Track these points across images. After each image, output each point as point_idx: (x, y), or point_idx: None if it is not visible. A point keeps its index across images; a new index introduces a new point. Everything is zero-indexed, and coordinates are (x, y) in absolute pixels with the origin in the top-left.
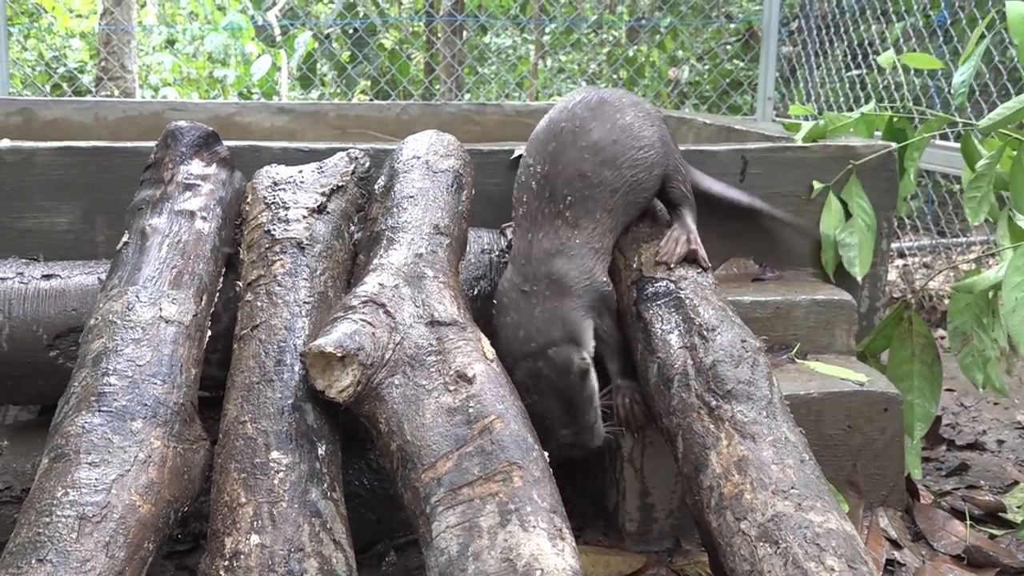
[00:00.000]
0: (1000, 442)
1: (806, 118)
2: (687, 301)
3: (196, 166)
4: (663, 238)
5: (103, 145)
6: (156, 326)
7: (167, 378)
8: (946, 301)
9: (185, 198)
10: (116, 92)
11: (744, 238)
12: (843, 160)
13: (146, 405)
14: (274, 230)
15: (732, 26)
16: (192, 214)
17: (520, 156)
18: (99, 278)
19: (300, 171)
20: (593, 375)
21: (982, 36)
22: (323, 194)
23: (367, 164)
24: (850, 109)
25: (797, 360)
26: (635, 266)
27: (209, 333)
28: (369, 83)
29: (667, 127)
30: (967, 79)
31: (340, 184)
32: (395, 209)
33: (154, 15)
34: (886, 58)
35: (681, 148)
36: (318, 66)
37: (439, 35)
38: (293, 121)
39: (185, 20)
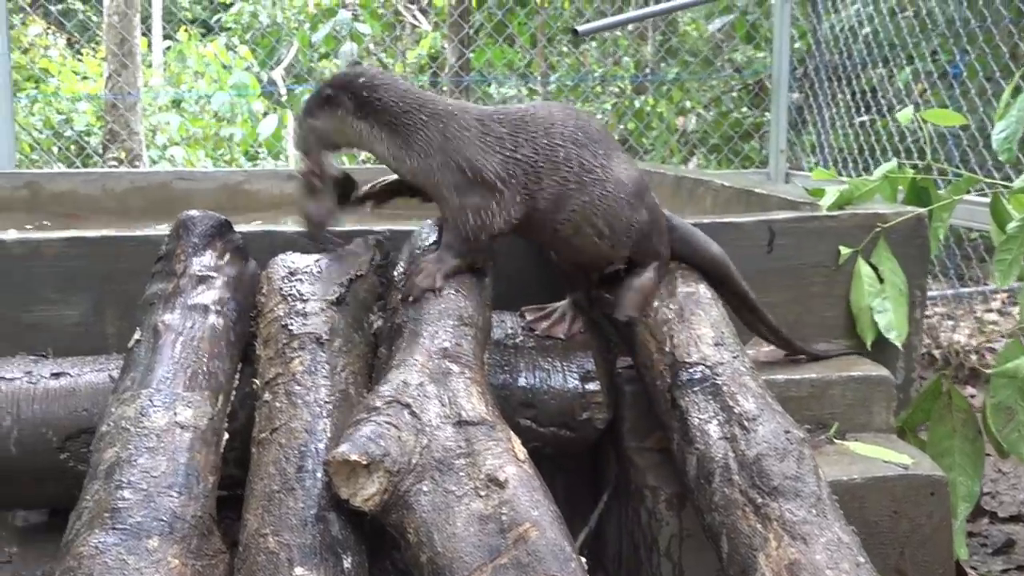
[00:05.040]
0: None
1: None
2: (725, 388)
3: (209, 257)
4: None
5: (112, 235)
6: (171, 432)
7: (183, 489)
8: (973, 357)
9: (198, 292)
10: (123, 154)
11: (773, 310)
12: (871, 228)
13: (162, 520)
14: (292, 324)
15: (741, 78)
16: (206, 308)
17: None
18: (110, 375)
19: (317, 260)
20: None
21: (1017, 88)
22: (341, 284)
23: (386, 250)
24: (860, 154)
25: (836, 440)
26: (668, 350)
27: (226, 436)
28: None
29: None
30: (1011, 135)
31: (359, 273)
32: (416, 300)
33: (160, 75)
34: (905, 115)
35: (704, 217)
36: None
37: (444, 89)
38: None
39: (191, 80)
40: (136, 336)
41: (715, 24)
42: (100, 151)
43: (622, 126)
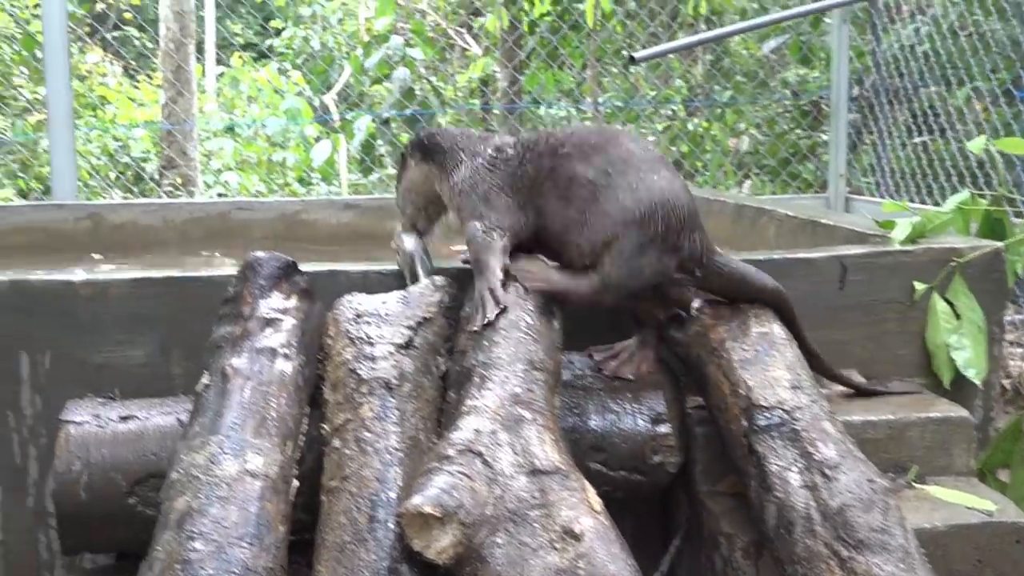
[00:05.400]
0: None
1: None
2: (804, 434)
3: (276, 299)
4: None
5: (178, 275)
6: (241, 481)
7: (255, 540)
8: None
9: (266, 335)
10: (179, 180)
11: (846, 348)
12: (946, 263)
13: (234, 572)
14: (360, 369)
15: (797, 100)
16: (274, 352)
17: None
18: (178, 419)
19: (384, 301)
20: None
21: None
22: (409, 327)
23: (453, 292)
24: (919, 177)
25: (916, 485)
26: (742, 392)
27: (296, 484)
28: None
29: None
30: None
31: (427, 316)
32: (485, 343)
33: (214, 101)
34: (978, 144)
35: (773, 252)
36: (376, 148)
37: (495, 113)
38: (359, 217)
39: (244, 105)
40: (204, 380)
41: (769, 45)
42: (156, 177)
43: (675, 148)
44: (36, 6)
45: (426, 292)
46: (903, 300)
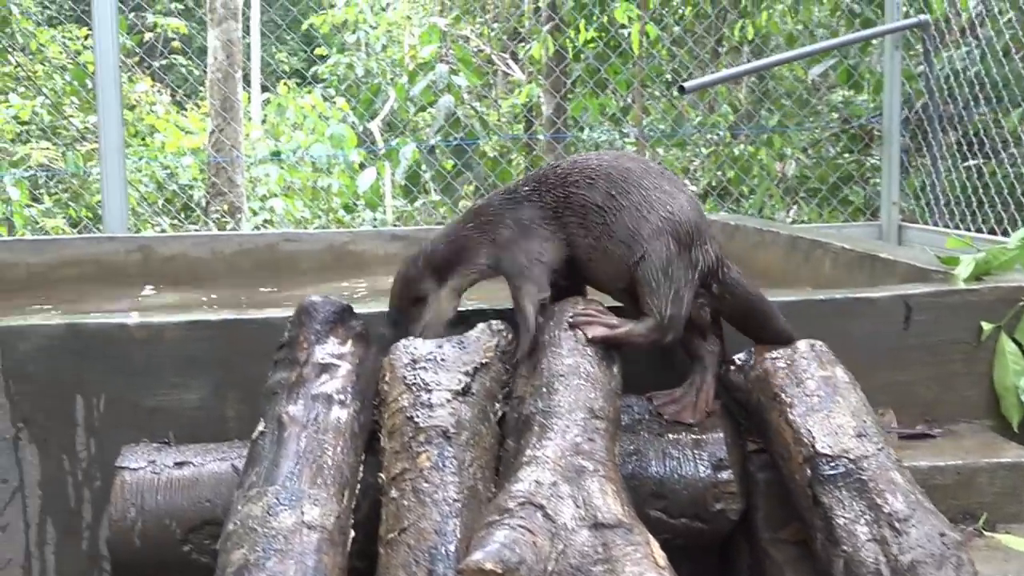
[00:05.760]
0: None
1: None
2: (871, 484)
3: (332, 345)
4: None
5: (232, 317)
6: (298, 533)
7: None
8: None
9: (322, 381)
10: (225, 207)
11: (909, 389)
12: (1014, 302)
13: None
14: (417, 417)
15: (848, 127)
16: (330, 398)
17: None
18: (232, 465)
19: (440, 346)
20: None
21: None
22: (466, 373)
23: (509, 336)
24: (969, 203)
25: (986, 533)
26: (806, 440)
27: (352, 534)
28: (472, 189)
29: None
30: None
31: (483, 361)
32: (544, 390)
33: (259, 128)
34: None
35: (836, 291)
36: (421, 175)
37: (540, 139)
38: (407, 248)
39: (289, 132)
40: (260, 427)
41: (816, 70)
42: (203, 204)
43: (721, 174)
44: (87, 37)
45: (483, 337)
46: (969, 340)
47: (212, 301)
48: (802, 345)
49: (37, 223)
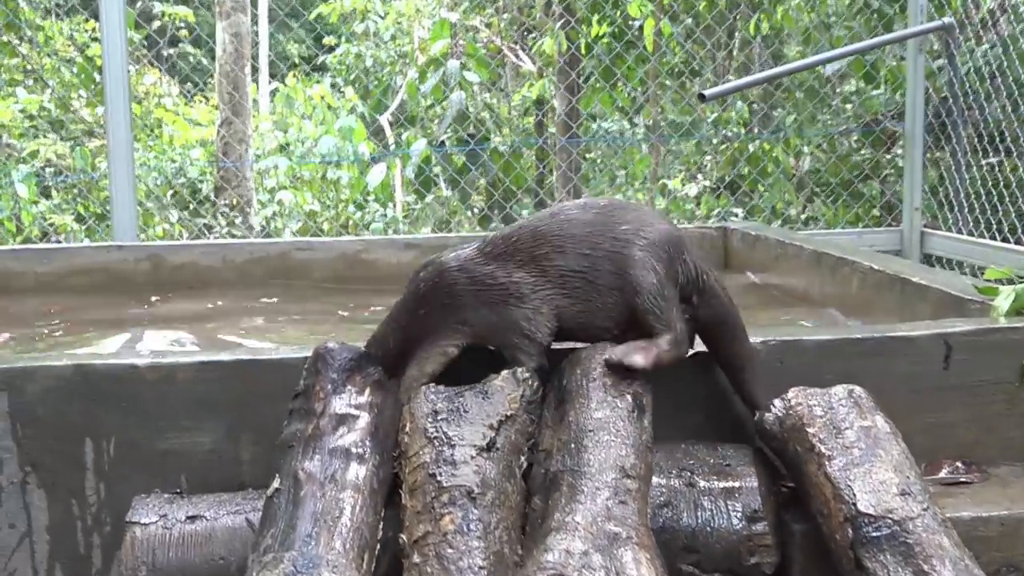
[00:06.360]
0: None
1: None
2: (918, 549)
3: (349, 394)
4: None
5: (246, 358)
6: None
7: None
8: None
9: (339, 434)
10: (234, 200)
11: (950, 431)
12: None
13: None
14: (440, 475)
15: (867, 131)
16: (348, 453)
17: None
18: (247, 519)
19: (462, 396)
20: None
21: None
22: (491, 427)
23: (535, 385)
24: (989, 197)
25: None
26: (847, 498)
27: None
28: (483, 192)
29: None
30: None
31: (509, 413)
32: (573, 446)
33: (268, 118)
34: None
35: (873, 330)
36: (432, 178)
37: (551, 129)
38: (421, 256)
39: (298, 122)
40: (275, 484)
41: (831, 68)
42: (211, 197)
43: (734, 170)
44: (94, 30)
45: (507, 386)
46: (1012, 380)
47: (218, 307)
48: (840, 391)
49: (46, 219)
